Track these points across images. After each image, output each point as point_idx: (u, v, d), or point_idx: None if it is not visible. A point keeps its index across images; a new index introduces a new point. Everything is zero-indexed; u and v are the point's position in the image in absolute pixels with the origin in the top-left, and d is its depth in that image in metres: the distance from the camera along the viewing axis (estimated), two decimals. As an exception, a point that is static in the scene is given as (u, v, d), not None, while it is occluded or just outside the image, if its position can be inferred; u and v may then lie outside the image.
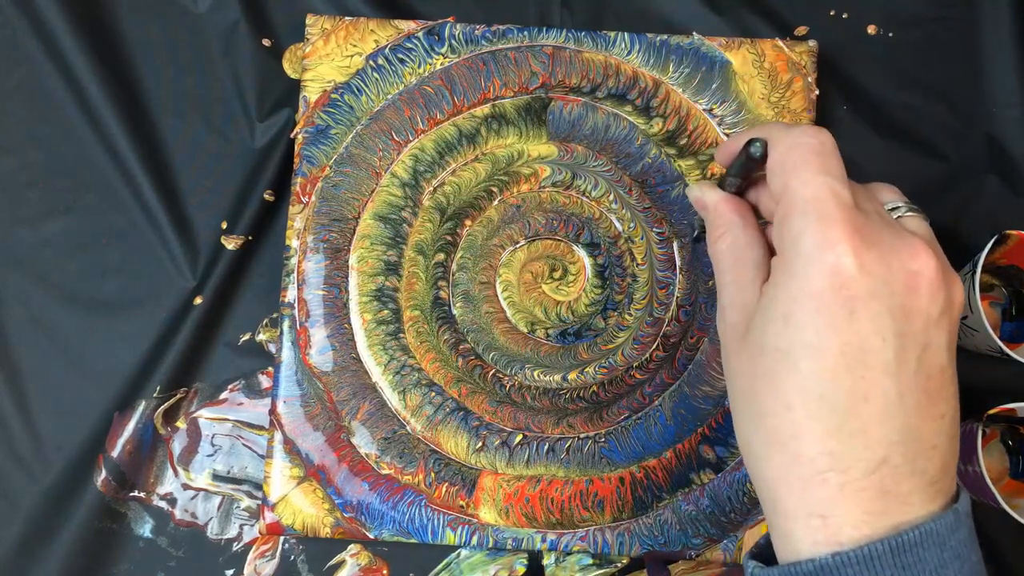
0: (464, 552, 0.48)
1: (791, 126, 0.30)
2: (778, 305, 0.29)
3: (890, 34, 0.54)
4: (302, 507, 0.47)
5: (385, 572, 0.48)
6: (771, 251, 0.31)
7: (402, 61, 0.51)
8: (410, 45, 0.51)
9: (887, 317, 0.28)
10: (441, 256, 0.50)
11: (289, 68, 0.53)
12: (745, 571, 0.30)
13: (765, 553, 0.31)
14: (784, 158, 0.30)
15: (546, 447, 0.48)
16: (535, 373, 0.49)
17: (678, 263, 0.49)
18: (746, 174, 0.33)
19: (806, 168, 0.29)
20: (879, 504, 0.27)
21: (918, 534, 0.27)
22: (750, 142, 0.31)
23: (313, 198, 0.50)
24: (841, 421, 0.28)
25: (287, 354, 0.48)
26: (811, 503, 0.28)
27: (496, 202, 0.50)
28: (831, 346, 0.28)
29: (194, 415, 0.50)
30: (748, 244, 0.32)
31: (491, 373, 0.49)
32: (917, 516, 0.28)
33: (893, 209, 0.32)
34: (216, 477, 0.49)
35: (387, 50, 0.51)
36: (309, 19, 0.51)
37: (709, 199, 0.34)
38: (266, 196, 0.51)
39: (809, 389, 0.28)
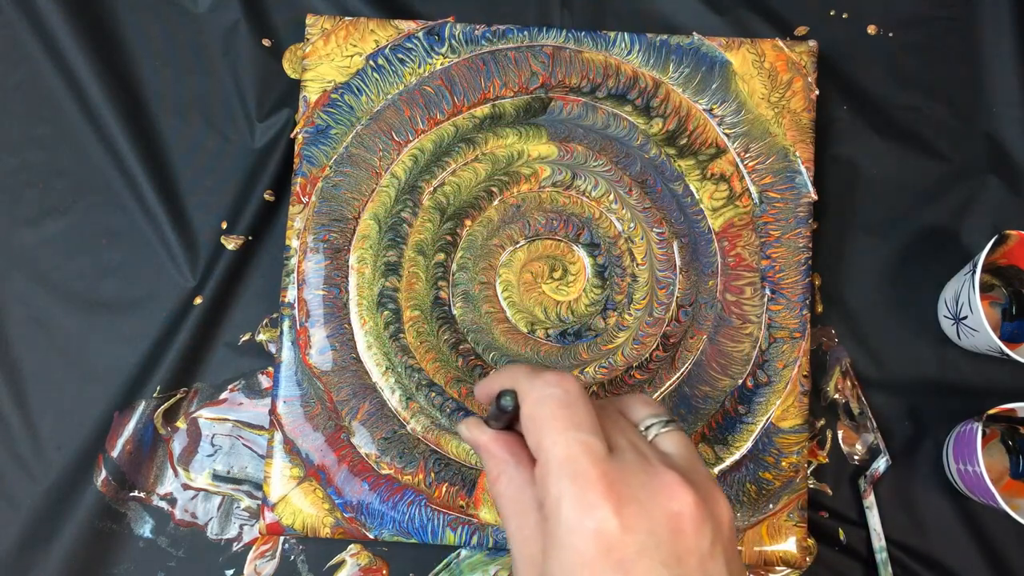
0: (464, 552, 0.48)
1: (536, 375, 0.30)
2: None
3: (890, 34, 0.54)
4: (302, 507, 0.47)
5: (385, 572, 0.48)
6: None
7: (402, 61, 0.51)
8: (410, 45, 0.51)
9: (661, 569, 0.27)
10: (441, 256, 0.50)
11: (289, 68, 0.53)
12: None
13: None
14: (532, 413, 0.29)
15: (546, 447, 0.48)
16: (535, 373, 0.49)
17: (678, 263, 0.49)
18: (504, 422, 0.32)
19: (554, 424, 0.29)
20: None
21: None
22: (500, 395, 0.30)
23: (313, 198, 0.50)
24: None
25: (287, 354, 0.48)
26: None
27: (496, 202, 0.50)
28: None
29: (194, 415, 0.50)
30: (525, 483, 0.31)
31: (491, 373, 0.49)
32: None
33: (648, 429, 0.32)
34: (216, 477, 0.49)
35: (387, 50, 0.51)
36: (309, 19, 0.51)
37: (480, 439, 0.32)
38: (266, 196, 0.51)
39: None
